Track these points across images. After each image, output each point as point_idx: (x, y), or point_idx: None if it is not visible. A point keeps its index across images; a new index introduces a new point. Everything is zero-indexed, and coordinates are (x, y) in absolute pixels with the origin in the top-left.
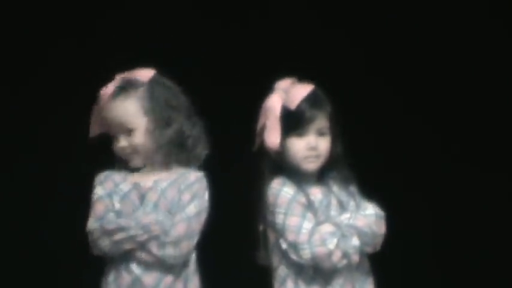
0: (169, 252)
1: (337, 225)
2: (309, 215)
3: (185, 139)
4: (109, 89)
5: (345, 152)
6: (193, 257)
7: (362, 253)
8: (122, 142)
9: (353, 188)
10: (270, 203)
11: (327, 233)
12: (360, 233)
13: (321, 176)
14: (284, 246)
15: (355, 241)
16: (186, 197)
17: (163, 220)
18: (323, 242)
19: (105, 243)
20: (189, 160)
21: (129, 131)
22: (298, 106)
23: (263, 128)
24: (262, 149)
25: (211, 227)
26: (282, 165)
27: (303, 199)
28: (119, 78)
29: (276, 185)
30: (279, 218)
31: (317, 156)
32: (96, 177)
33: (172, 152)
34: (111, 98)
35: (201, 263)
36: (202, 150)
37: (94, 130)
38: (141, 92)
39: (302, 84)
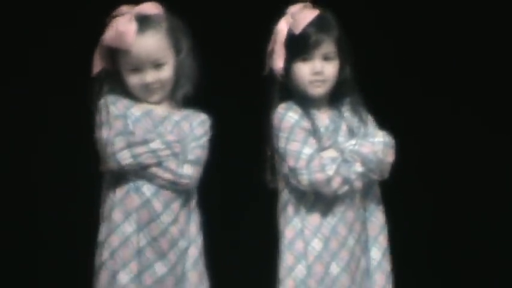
0: (187, 171)
1: (341, 151)
2: (311, 140)
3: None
4: (129, 23)
5: (354, 77)
6: (195, 192)
7: (370, 180)
8: (150, 77)
9: (365, 115)
10: (274, 127)
11: (328, 158)
12: (364, 159)
13: (334, 101)
14: (285, 170)
15: (357, 167)
16: (199, 130)
17: (183, 141)
18: (322, 168)
19: (125, 156)
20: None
21: (159, 66)
22: (303, 30)
23: (271, 53)
24: (272, 74)
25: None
26: (291, 90)
27: (306, 124)
28: (133, 13)
29: (281, 109)
30: (282, 142)
31: (323, 81)
32: (101, 101)
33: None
34: (136, 32)
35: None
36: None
37: (98, 65)
38: (164, 26)
39: (311, 9)
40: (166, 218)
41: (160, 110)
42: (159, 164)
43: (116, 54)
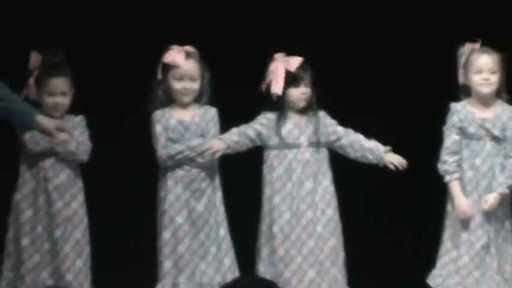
0: (207, 159)
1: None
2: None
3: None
4: (181, 52)
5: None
6: (217, 171)
7: None
8: (187, 84)
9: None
10: None
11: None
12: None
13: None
14: None
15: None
16: (211, 125)
17: (202, 142)
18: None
19: (170, 162)
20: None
21: (192, 80)
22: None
23: (270, 82)
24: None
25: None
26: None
27: (267, 123)
28: (183, 48)
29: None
30: None
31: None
32: (153, 116)
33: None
34: (185, 59)
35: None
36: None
37: (159, 75)
38: (198, 60)
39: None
40: (200, 180)
41: (188, 114)
42: (191, 161)
43: (169, 69)
